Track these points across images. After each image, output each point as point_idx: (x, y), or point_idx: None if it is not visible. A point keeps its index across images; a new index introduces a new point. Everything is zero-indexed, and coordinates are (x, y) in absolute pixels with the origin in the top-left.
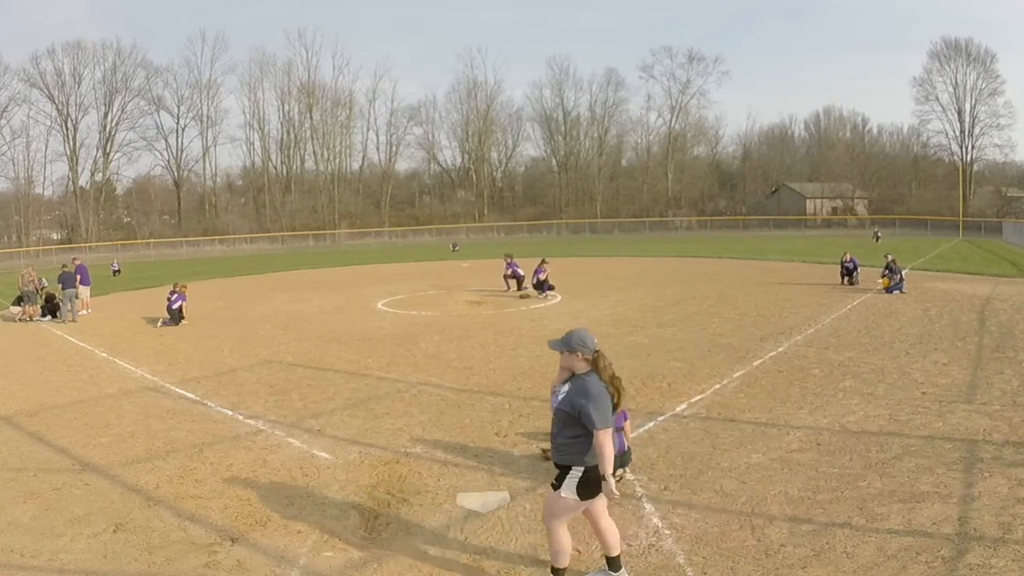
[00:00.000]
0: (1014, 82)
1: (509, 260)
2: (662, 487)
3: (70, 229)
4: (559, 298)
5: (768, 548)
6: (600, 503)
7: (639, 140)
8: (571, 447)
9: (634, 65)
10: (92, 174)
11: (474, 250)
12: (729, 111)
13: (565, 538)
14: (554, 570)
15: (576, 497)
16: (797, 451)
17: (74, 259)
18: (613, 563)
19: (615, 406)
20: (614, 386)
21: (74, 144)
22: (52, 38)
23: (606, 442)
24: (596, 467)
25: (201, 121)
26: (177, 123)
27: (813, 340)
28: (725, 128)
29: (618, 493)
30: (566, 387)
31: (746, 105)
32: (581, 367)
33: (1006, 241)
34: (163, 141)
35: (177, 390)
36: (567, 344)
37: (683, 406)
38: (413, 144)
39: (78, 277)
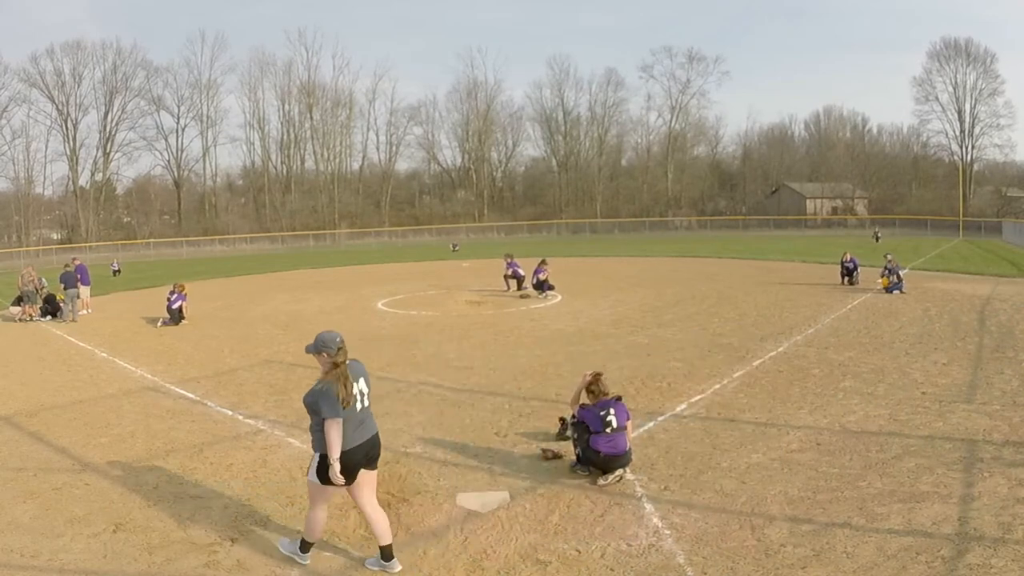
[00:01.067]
0: (1014, 82)
1: (509, 260)
2: (662, 487)
3: (70, 229)
4: (559, 298)
5: (768, 548)
6: (361, 491)
7: (639, 140)
8: (314, 437)
9: (634, 65)
10: (92, 174)
11: (474, 250)
12: (729, 111)
13: (319, 516)
14: (302, 543)
15: (317, 480)
16: (797, 451)
17: (74, 259)
18: (384, 552)
19: (341, 401)
20: (341, 384)
21: (74, 144)
22: (52, 38)
23: (332, 430)
24: (354, 451)
25: (201, 121)
26: (177, 123)
27: (813, 340)
28: (725, 128)
29: (341, 480)
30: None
31: (746, 105)
32: (328, 365)
33: (1006, 241)
34: (163, 141)
35: (177, 390)
36: (315, 347)
37: (683, 406)
38: (413, 144)
39: (78, 277)
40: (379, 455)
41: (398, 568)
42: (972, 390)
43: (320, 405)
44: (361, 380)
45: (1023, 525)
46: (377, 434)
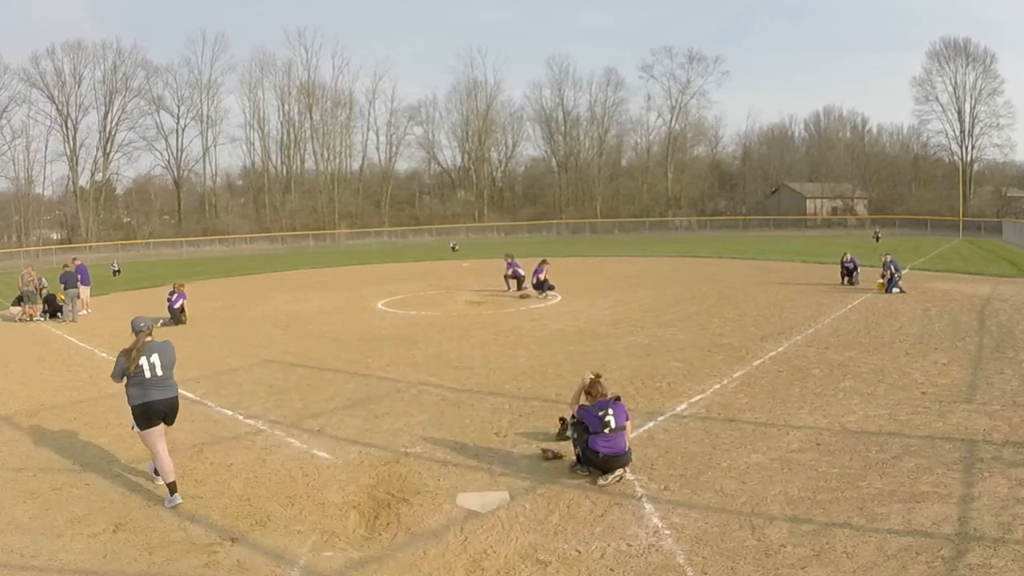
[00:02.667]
0: (1014, 82)
1: (510, 260)
2: (662, 487)
3: (70, 229)
4: (559, 298)
5: (768, 548)
6: (157, 437)
7: (639, 140)
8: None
9: (634, 65)
10: (92, 174)
11: (474, 250)
12: (729, 111)
13: (161, 454)
14: (169, 486)
15: (138, 428)
16: (797, 451)
17: (74, 259)
18: (171, 488)
19: (128, 368)
20: (129, 356)
21: (74, 144)
22: (52, 38)
23: (112, 381)
24: (136, 406)
25: (201, 121)
26: (177, 123)
27: (813, 340)
28: (725, 128)
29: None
30: None
31: (746, 105)
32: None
33: (1006, 241)
34: (163, 141)
35: None
36: (132, 328)
37: (683, 406)
38: (413, 144)
39: (79, 277)
40: (176, 413)
41: (179, 501)
42: (972, 390)
43: (114, 368)
44: (154, 355)
45: (1023, 525)
46: (175, 397)
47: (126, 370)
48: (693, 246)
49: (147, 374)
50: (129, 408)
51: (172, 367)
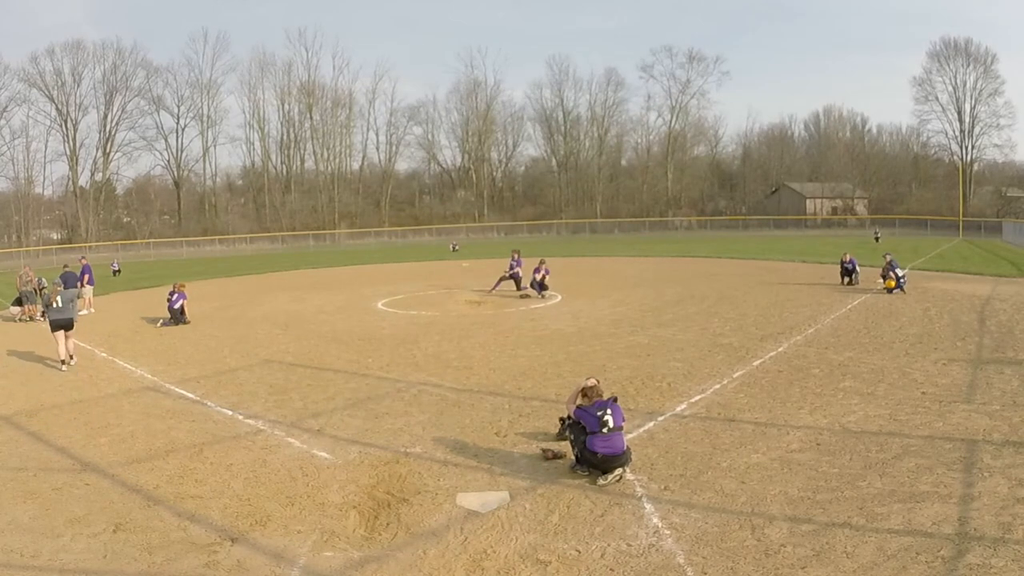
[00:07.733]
0: (1014, 82)
1: (516, 257)
2: (662, 487)
3: (70, 229)
4: (559, 298)
5: (768, 548)
6: (62, 339)
7: (639, 140)
8: None
9: (634, 65)
10: (92, 174)
11: (474, 250)
12: (729, 111)
13: (58, 348)
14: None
15: (51, 332)
16: (797, 451)
17: (81, 258)
18: (61, 360)
19: (51, 301)
20: (53, 297)
21: (74, 144)
22: (52, 38)
23: (47, 312)
24: (51, 321)
25: (201, 121)
26: (177, 123)
27: (813, 340)
28: (725, 128)
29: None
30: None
31: (746, 105)
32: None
33: (1006, 241)
34: (163, 141)
35: (177, 390)
36: (57, 282)
37: (683, 406)
38: (413, 144)
39: (86, 277)
40: (71, 325)
41: (64, 369)
42: (972, 390)
43: (42, 300)
44: (59, 297)
45: (1023, 525)
46: (71, 318)
47: (49, 302)
48: (693, 246)
49: (54, 305)
50: (48, 324)
51: (68, 302)
